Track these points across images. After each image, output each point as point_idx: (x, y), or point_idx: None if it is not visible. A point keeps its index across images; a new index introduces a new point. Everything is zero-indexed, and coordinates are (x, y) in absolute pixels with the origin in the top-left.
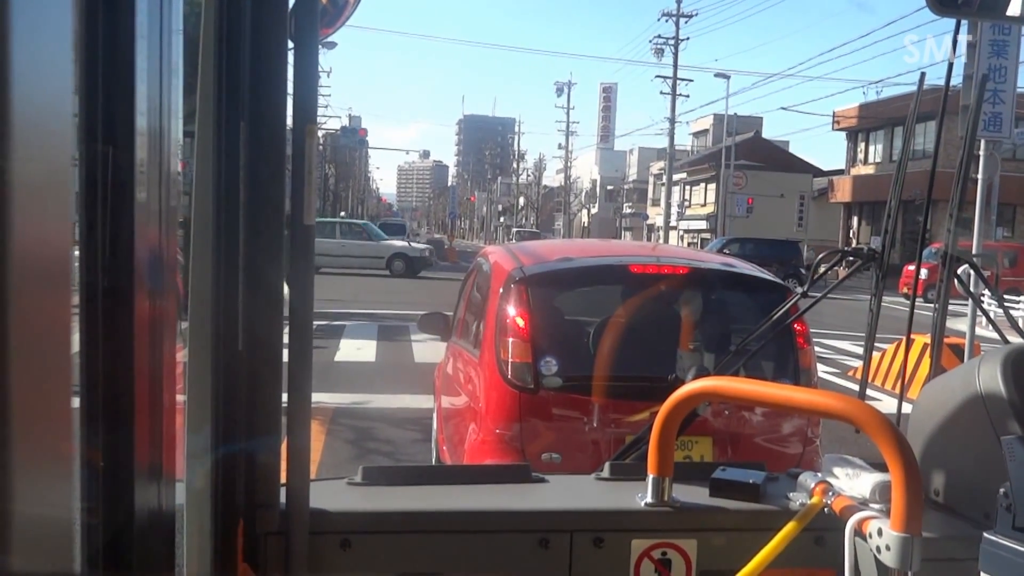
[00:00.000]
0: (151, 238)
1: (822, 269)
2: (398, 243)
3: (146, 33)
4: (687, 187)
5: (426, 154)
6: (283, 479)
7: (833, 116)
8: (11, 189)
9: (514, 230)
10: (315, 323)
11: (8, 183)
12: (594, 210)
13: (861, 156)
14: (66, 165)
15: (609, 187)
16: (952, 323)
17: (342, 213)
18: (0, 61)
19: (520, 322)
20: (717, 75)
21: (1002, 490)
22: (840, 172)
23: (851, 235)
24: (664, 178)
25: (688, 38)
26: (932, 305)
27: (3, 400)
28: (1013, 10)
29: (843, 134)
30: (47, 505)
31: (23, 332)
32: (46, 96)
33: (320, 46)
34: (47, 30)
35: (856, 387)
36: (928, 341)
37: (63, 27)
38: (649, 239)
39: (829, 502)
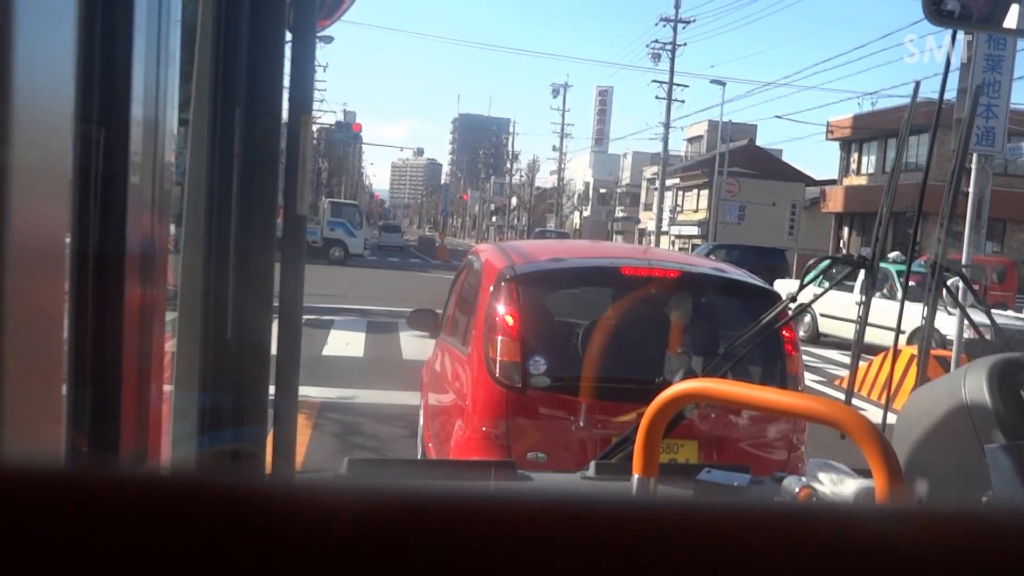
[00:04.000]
0: (143, 226)
1: (811, 275)
2: None
3: (144, 22)
4: (680, 192)
5: (420, 151)
6: (268, 470)
7: (827, 126)
8: (9, 174)
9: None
10: (304, 316)
11: (6, 168)
12: (586, 213)
13: (854, 167)
14: (64, 151)
15: (602, 190)
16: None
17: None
18: (2, 49)
19: (509, 320)
20: (713, 81)
21: (985, 499)
22: (832, 182)
23: (841, 245)
24: (657, 183)
25: (685, 44)
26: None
27: None
28: (1009, 22)
29: (836, 144)
30: None
31: (16, 318)
32: (46, 82)
33: (317, 39)
34: (49, 17)
35: (843, 396)
36: (915, 352)
37: (65, 14)
38: (640, 243)
39: None
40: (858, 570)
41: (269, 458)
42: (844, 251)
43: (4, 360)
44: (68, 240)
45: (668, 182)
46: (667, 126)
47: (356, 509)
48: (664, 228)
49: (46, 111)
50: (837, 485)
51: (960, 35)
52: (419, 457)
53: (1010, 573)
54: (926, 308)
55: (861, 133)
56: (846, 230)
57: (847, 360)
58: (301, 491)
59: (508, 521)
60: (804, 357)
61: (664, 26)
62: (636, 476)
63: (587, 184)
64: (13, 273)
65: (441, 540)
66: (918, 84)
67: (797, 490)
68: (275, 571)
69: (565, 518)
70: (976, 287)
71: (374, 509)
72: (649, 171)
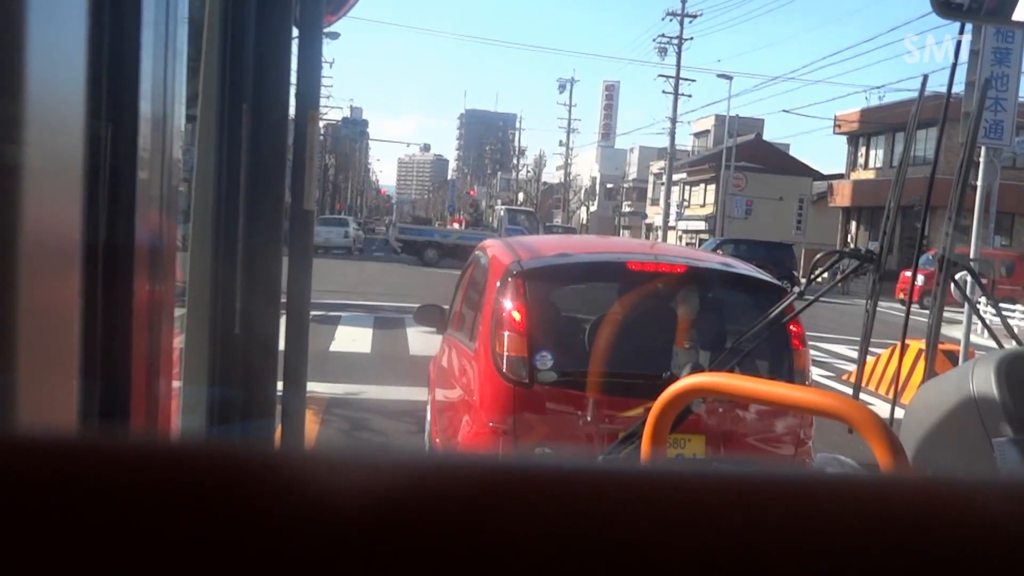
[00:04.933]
0: (151, 222)
1: (819, 270)
2: None
3: (152, 19)
4: (687, 187)
5: (427, 147)
6: None
7: (835, 120)
8: (19, 171)
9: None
10: (311, 312)
11: (17, 165)
12: (593, 208)
13: (861, 161)
14: (73, 148)
15: (609, 185)
16: (946, 330)
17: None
18: (13, 48)
19: (516, 316)
20: (720, 76)
21: None
22: (840, 176)
23: (849, 240)
24: (664, 178)
25: (692, 38)
26: (927, 311)
27: (8, 380)
28: (1018, 15)
29: (844, 138)
30: None
31: (26, 313)
32: (55, 80)
33: (323, 35)
34: (58, 15)
35: (850, 391)
36: (923, 347)
37: (74, 12)
38: (647, 238)
39: None
40: (873, 533)
41: None
42: (852, 246)
43: (16, 355)
44: (78, 236)
45: (675, 177)
46: (674, 121)
47: (369, 474)
48: (671, 223)
49: (55, 108)
50: None
51: (968, 28)
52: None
53: (1017, 542)
54: (935, 302)
55: (869, 127)
56: (854, 224)
57: (855, 355)
58: (314, 457)
59: (521, 484)
60: (812, 352)
61: (671, 20)
62: None
63: (594, 179)
64: (24, 269)
65: (453, 503)
66: (926, 78)
67: None
68: (287, 534)
69: (579, 484)
70: (984, 281)
71: (387, 474)
72: (656, 166)
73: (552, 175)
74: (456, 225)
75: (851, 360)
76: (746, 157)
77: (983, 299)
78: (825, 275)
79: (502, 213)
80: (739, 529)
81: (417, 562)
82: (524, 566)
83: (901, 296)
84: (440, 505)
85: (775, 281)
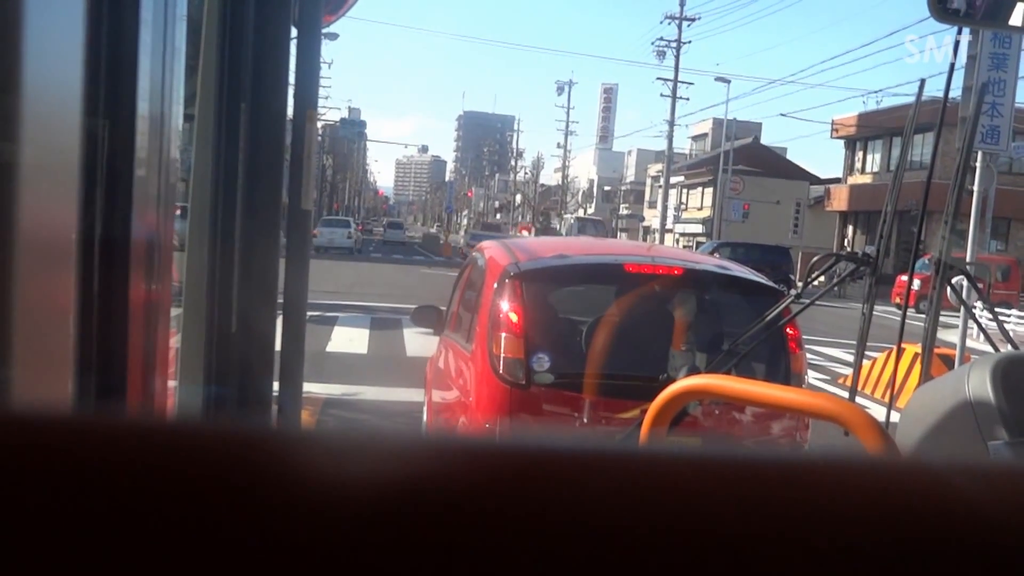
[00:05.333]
0: (148, 221)
1: (815, 273)
2: None
3: (150, 17)
4: (684, 190)
5: (424, 149)
6: None
7: (832, 124)
8: (16, 169)
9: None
10: (308, 312)
11: (14, 163)
12: (590, 210)
13: (858, 165)
14: (70, 146)
15: (606, 188)
16: (943, 334)
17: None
18: (10, 45)
19: (513, 317)
20: (718, 79)
21: None
22: (837, 180)
23: (846, 244)
24: (661, 180)
25: (690, 41)
26: (923, 315)
27: (3, 376)
28: (1015, 20)
29: (841, 142)
30: None
31: (23, 312)
32: (53, 77)
33: (322, 35)
34: (56, 12)
35: (846, 394)
36: (919, 351)
37: (72, 10)
38: (645, 241)
39: None
40: (866, 514)
41: None
42: (848, 249)
43: (12, 351)
44: (74, 234)
45: (672, 180)
46: (672, 124)
47: (368, 455)
48: (668, 226)
49: (52, 106)
50: None
51: (965, 32)
52: None
53: (1012, 524)
54: (931, 306)
55: (866, 131)
56: (850, 228)
57: (851, 358)
58: (313, 437)
59: (519, 464)
60: (808, 355)
61: (669, 24)
62: None
63: (591, 181)
64: (21, 266)
65: (451, 480)
66: (923, 82)
67: None
68: (284, 513)
69: (578, 465)
70: (980, 285)
71: (386, 455)
72: (653, 169)
73: (550, 177)
74: (525, 232)
75: (847, 363)
76: (744, 161)
77: (979, 303)
78: (821, 278)
79: (572, 221)
80: (733, 509)
81: (415, 542)
82: (523, 546)
83: (897, 300)
84: (438, 485)
85: (771, 284)
